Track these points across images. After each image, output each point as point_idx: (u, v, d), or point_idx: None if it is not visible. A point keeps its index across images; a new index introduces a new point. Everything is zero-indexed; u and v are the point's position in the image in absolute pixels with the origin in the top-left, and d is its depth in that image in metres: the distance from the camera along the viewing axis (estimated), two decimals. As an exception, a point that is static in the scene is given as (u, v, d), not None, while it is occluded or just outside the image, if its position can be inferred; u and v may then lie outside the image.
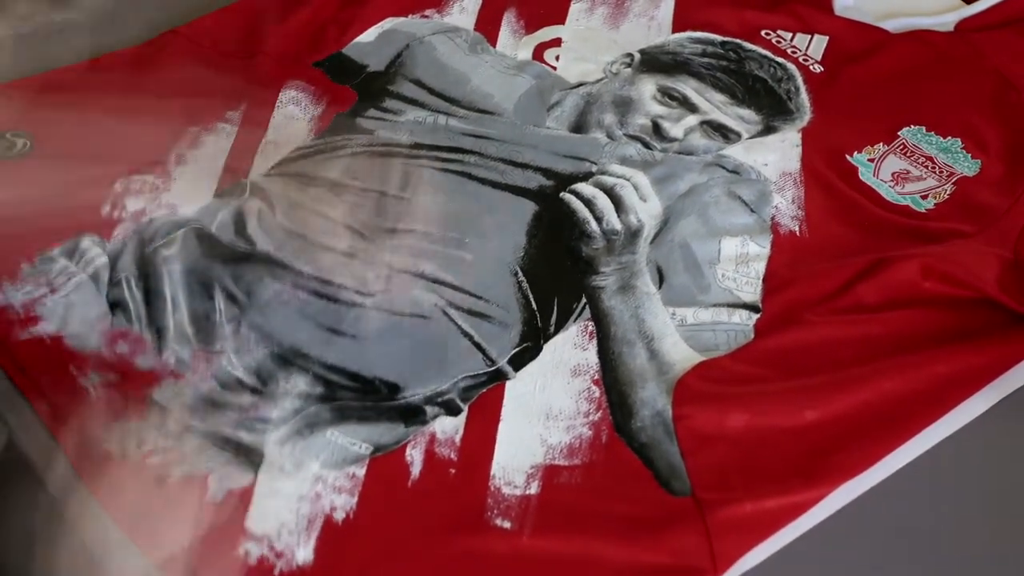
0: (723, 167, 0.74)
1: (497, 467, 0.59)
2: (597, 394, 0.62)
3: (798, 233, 0.70)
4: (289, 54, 0.84)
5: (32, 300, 0.66)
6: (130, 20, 0.87)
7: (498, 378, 0.63)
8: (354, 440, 0.60)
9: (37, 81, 0.81)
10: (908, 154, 0.75)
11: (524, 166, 0.74)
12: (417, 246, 0.69)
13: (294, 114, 0.79)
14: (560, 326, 0.66)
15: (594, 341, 0.65)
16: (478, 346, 0.64)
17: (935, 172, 0.74)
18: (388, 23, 0.86)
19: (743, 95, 0.78)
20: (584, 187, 0.71)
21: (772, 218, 0.71)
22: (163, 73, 0.82)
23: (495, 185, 0.73)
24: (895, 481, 0.58)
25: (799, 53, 0.83)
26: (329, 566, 0.55)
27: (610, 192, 0.70)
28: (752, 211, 0.71)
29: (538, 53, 0.84)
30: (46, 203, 0.72)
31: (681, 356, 0.63)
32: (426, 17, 0.87)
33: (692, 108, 0.77)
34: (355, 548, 0.56)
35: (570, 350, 0.64)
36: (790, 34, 0.84)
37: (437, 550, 0.56)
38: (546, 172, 0.73)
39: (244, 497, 0.58)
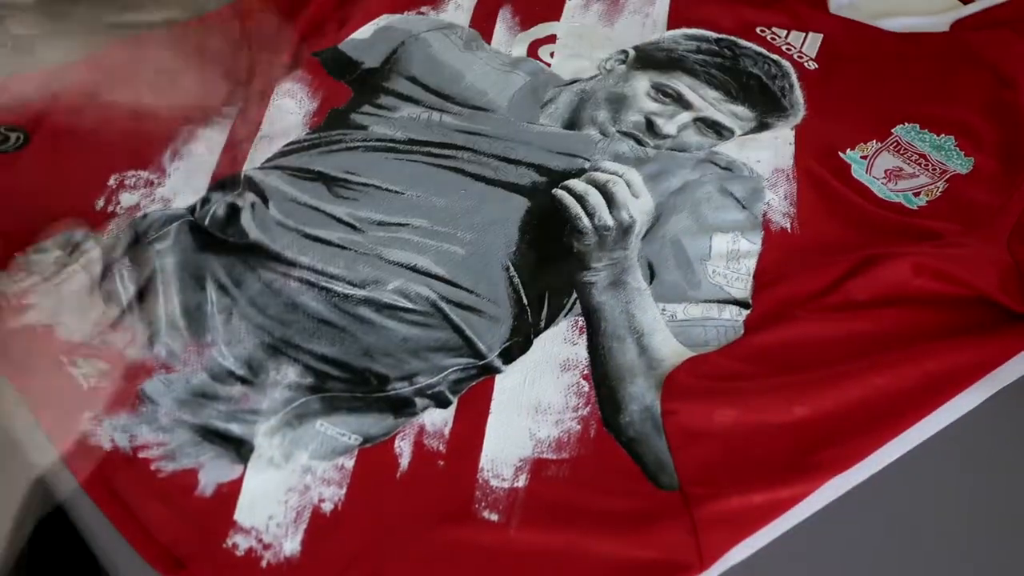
0: (716, 164, 0.74)
1: (486, 460, 0.59)
2: (586, 389, 0.62)
3: (789, 230, 0.70)
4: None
5: (24, 289, 0.66)
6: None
7: (488, 372, 0.63)
8: (343, 431, 0.60)
9: (37, 76, 0.81)
10: (901, 151, 0.75)
11: (517, 162, 0.74)
12: (410, 240, 0.69)
13: (289, 108, 0.80)
14: (551, 321, 0.66)
15: (584, 336, 0.65)
16: (468, 340, 0.64)
17: (928, 169, 0.74)
18: (384, 20, 0.87)
19: (737, 92, 0.78)
20: (577, 183, 0.71)
21: (764, 215, 0.71)
22: (158, 69, 0.82)
23: (488, 181, 0.73)
24: (883, 477, 0.58)
25: (794, 50, 0.83)
26: (316, 557, 0.56)
27: (602, 188, 0.70)
28: (744, 208, 0.71)
29: (533, 50, 0.84)
30: (40, 196, 0.72)
31: (671, 351, 0.64)
32: (422, 14, 0.88)
33: (686, 105, 0.77)
34: (343, 539, 0.56)
35: (560, 345, 0.65)
36: (785, 31, 0.84)
37: (424, 541, 0.56)
38: (539, 168, 0.73)
39: (233, 490, 0.58)
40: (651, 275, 0.67)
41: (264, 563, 0.55)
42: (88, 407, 0.61)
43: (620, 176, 0.71)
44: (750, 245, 0.69)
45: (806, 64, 0.82)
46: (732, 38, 0.83)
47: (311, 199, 0.71)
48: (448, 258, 0.68)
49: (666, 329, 0.65)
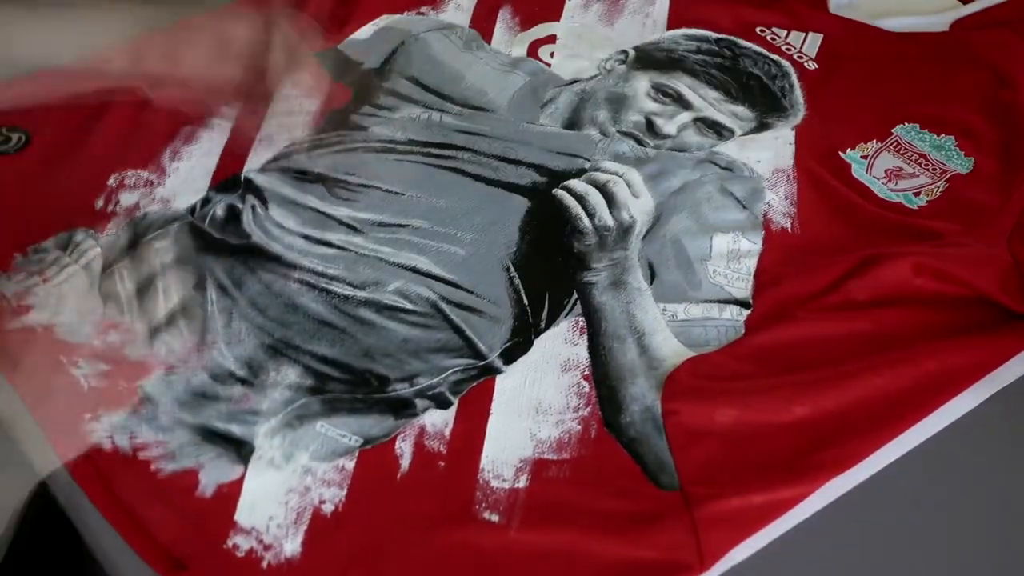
0: (716, 164, 0.74)
1: (486, 460, 0.59)
2: (587, 389, 0.62)
3: (790, 230, 0.71)
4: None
5: (24, 290, 0.66)
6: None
7: (489, 372, 0.63)
8: (344, 432, 0.60)
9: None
10: (901, 151, 0.75)
11: (517, 162, 0.74)
12: (410, 241, 0.69)
13: (289, 110, 0.79)
14: (551, 321, 0.66)
15: (585, 336, 0.65)
16: (469, 340, 0.64)
17: (928, 169, 0.74)
18: (383, 20, 0.87)
19: (737, 92, 0.78)
20: (577, 183, 0.71)
21: (764, 215, 0.71)
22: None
23: (488, 181, 0.73)
24: (883, 478, 0.58)
25: (793, 50, 0.83)
26: (317, 558, 0.55)
27: (603, 188, 0.70)
28: (744, 207, 0.71)
29: (533, 50, 0.84)
30: (40, 196, 0.72)
31: (671, 351, 0.64)
32: (421, 14, 0.88)
33: (686, 105, 0.77)
34: (343, 540, 0.56)
35: (561, 345, 0.65)
36: (784, 31, 0.84)
37: (425, 543, 0.56)
38: (539, 168, 0.73)
39: (233, 491, 0.58)
40: (651, 275, 0.67)
41: (264, 564, 0.55)
42: (88, 407, 0.60)
43: (620, 176, 0.71)
44: (751, 245, 0.69)
45: (806, 64, 0.82)
46: (732, 38, 0.83)
47: (311, 201, 0.71)
48: (448, 259, 0.68)
49: (667, 329, 0.65)
